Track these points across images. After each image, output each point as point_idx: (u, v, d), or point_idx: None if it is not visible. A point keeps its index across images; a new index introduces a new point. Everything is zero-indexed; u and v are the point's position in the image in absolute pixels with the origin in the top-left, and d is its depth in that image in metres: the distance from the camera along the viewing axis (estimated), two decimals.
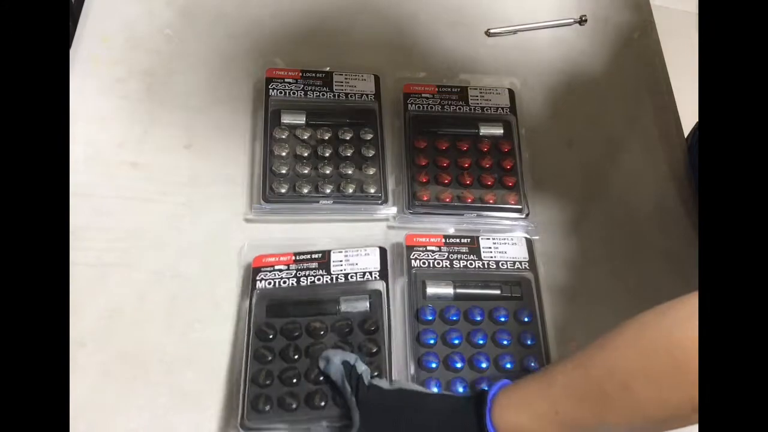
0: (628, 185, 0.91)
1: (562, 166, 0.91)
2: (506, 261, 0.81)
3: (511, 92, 0.93)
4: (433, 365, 0.74)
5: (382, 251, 0.80)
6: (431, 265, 0.80)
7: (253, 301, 0.76)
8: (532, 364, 0.74)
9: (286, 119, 0.88)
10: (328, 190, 0.84)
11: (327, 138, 0.87)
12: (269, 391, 0.71)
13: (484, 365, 0.74)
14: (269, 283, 0.77)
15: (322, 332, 0.75)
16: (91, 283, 0.78)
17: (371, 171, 0.85)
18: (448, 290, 0.78)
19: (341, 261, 0.79)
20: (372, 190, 0.84)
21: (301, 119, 0.88)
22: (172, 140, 0.89)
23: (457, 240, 0.82)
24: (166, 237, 0.82)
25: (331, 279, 0.78)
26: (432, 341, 0.75)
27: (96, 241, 0.81)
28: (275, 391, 0.72)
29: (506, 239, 0.83)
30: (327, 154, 0.86)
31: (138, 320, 0.77)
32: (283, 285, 0.77)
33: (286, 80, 0.91)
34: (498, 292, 0.78)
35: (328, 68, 0.93)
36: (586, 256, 0.85)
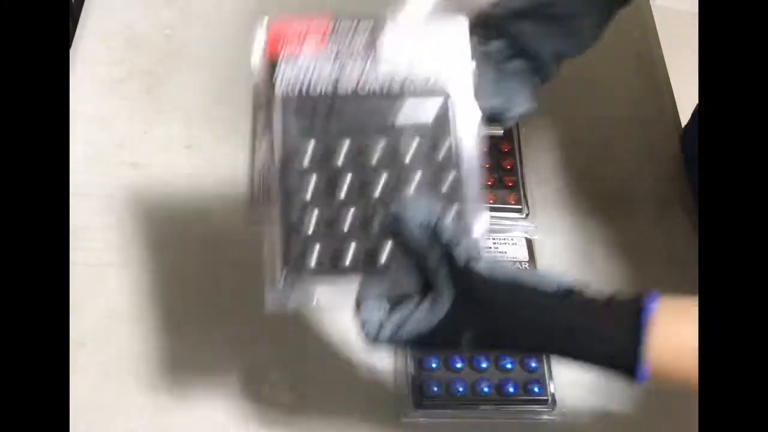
0: (628, 185, 0.91)
1: (561, 166, 0.91)
2: (506, 261, 0.81)
3: None
4: (434, 365, 0.74)
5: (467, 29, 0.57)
6: None
7: (277, 108, 0.56)
8: (533, 365, 0.74)
9: None
10: None
11: None
12: (315, 241, 0.55)
13: (484, 365, 0.74)
14: (295, 84, 0.56)
15: (377, 157, 0.56)
16: (91, 283, 0.78)
17: None
18: None
19: (401, 40, 0.55)
20: None
21: None
22: (172, 140, 0.89)
23: None
24: (166, 237, 0.82)
25: (389, 81, 0.56)
26: None
27: (96, 241, 0.81)
28: (322, 241, 0.55)
29: (506, 239, 0.83)
30: None
31: (138, 320, 0.77)
32: (317, 84, 0.56)
33: None
34: None
35: None
36: (586, 257, 0.85)
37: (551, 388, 0.74)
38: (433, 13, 0.57)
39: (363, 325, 0.54)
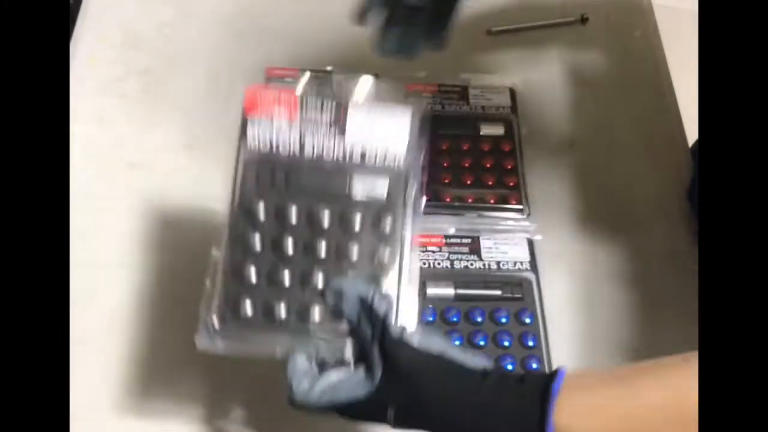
0: (629, 185, 0.91)
1: (563, 166, 0.91)
2: (507, 261, 0.81)
3: (512, 92, 0.93)
4: None
5: (413, 118, 0.62)
6: (432, 266, 0.80)
7: (241, 161, 0.60)
8: (534, 366, 0.74)
9: None
10: None
11: None
12: (253, 291, 0.58)
13: None
14: (264, 144, 0.60)
15: (326, 223, 0.60)
16: (91, 283, 0.78)
17: None
18: (449, 291, 0.78)
19: (359, 122, 0.61)
20: None
21: None
22: (171, 140, 0.89)
23: (458, 240, 0.82)
24: (165, 237, 0.82)
25: (345, 156, 0.61)
26: None
27: (96, 241, 0.81)
28: (260, 293, 0.58)
29: (507, 239, 0.82)
30: None
31: (138, 320, 0.77)
32: (282, 147, 0.60)
33: (285, 79, 0.90)
34: (499, 293, 0.78)
35: (328, 67, 0.92)
36: (588, 257, 0.84)
37: None
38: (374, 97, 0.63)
39: (290, 384, 0.56)
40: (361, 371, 0.56)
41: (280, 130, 0.60)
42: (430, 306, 0.77)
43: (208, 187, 0.86)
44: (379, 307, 0.56)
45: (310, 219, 0.60)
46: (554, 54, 1.01)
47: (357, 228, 0.59)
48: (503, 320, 0.77)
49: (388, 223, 0.60)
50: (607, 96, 0.98)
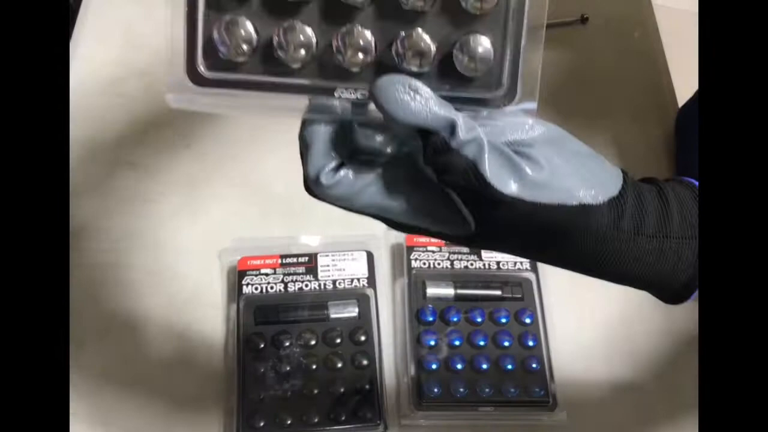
0: None
1: None
2: (507, 261, 0.81)
3: None
4: (434, 366, 0.74)
5: (369, 256, 0.79)
6: (431, 266, 0.80)
7: (241, 306, 0.76)
8: (534, 366, 0.74)
9: None
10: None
11: None
12: (263, 407, 0.71)
13: (484, 366, 0.74)
14: (255, 288, 0.77)
15: (313, 342, 0.74)
16: (91, 283, 0.78)
17: None
18: (449, 291, 0.78)
19: (328, 266, 0.79)
20: None
21: None
22: (171, 140, 0.89)
23: None
24: (165, 237, 0.82)
25: (319, 285, 0.78)
26: (432, 342, 0.75)
27: (96, 241, 0.81)
28: (269, 407, 0.71)
29: None
30: None
31: (137, 320, 0.77)
32: (270, 291, 0.77)
33: None
34: (499, 293, 0.78)
35: None
36: None
37: (552, 389, 0.74)
38: None
39: (307, 167, 0.40)
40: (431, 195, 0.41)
41: (267, 278, 0.78)
42: (430, 306, 0.77)
43: (208, 187, 0.86)
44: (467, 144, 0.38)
45: (300, 343, 0.74)
46: (554, 54, 1.01)
47: (337, 342, 0.75)
48: (503, 320, 0.77)
49: (362, 334, 0.75)
50: (607, 96, 0.98)
